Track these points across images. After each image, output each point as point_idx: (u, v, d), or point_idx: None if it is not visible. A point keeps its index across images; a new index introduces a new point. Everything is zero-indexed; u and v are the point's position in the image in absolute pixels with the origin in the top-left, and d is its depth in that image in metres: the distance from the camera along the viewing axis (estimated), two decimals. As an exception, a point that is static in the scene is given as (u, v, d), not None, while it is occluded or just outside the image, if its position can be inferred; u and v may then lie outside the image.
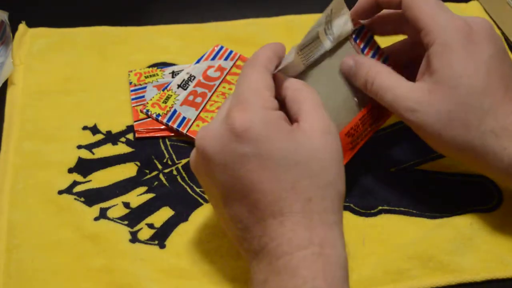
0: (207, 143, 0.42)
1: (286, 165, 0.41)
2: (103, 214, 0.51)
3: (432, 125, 0.47)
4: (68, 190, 0.53)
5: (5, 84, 0.60)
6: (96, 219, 0.51)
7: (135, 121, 0.58)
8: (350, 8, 0.50)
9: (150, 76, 0.61)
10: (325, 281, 0.39)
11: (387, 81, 0.48)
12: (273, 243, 0.41)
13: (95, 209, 0.52)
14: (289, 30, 0.67)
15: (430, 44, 0.47)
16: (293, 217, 0.41)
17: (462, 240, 0.51)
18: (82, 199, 0.52)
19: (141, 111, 0.58)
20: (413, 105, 0.47)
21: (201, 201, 0.53)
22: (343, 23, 0.49)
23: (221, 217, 0.45)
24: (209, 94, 0.59)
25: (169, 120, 0.57)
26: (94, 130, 0.57)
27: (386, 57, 0.52)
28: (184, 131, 0.56)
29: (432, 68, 0.47)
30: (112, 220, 0.51)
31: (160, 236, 0.50)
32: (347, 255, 0.50)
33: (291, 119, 0.44)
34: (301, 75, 0.47)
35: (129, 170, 0.55)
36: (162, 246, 0.50)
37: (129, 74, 0.62)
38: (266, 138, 0.41)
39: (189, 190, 0.53)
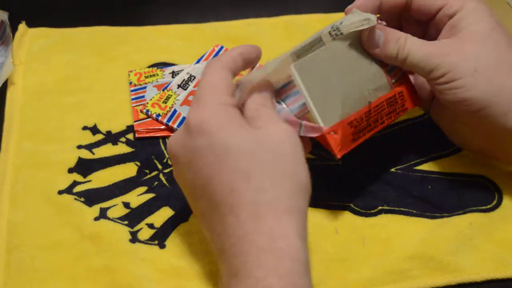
0: (172, 146, 0.44)
1: (239, 155, 0.41)
2: (103, 214, 0.51)
3: (467, 63, 0.48)
4: (68, 190, 0.53)
5: (5, 84, 0.60)
6: (96, 219, 0.51)
7: (135, 121, 0.58)
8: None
9: (150, 76, 0.61)
10: (278, 278, 0.39)
11: (416, 41, 0.49)
12: (230, 241, 0.41)
13: (95, 209, 0.52)
14: (289, 30, 0.67)
15: (457, 11, 0.49)
16: (246, 210, 0.41)
17: (462, 240, 0.51)
18: (82, 199, 0.52)
19: (141, 111, 0.58)
20: (446, 50, 0.48)
21: (201, 201, 0.53)
22: (354, 25, 0.48)
23: (197, 218, 0.46)
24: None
25: (169, 120, 0.57)
26: (94, 130, 0.57)
27: None
28: (184, 131, 0.56)
29: (460, 27, 0.49)
30: (112, 220, 0.51)
31: (160, 236, 0.50)
32: (347, 255, 0.50)
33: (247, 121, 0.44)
34: (310, 63, 0.47)
35: (129, 170, 0.55)
36: (162, 246, 0.50)
37: (129, 74, 0.62)
38: (219, 129, 0.42)
39: (189, 190, 0.53)
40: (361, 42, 0.49)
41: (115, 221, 0.51)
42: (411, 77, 0.53)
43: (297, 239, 0.40)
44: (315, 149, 0.56)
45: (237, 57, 0.46)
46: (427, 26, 0.52)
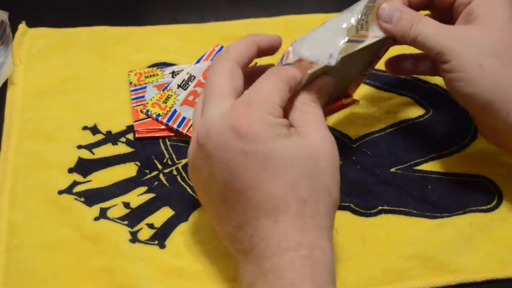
0: (208, 139, 0.42)
1: (286, 165, 0.41)
2: (103, 214, 0.51)
3: (473, 55, 0.47)
4: (68, 190, 0.53)
5: (5, 84, 0.60)
6: (96, 219, 0.51)
7: (135, 121, 0.58)
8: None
9: (150, 76, 0.61)
10: (313, 284, 0.39)
11: (431, 20, 0.49)
12: (263, 244, 0.41)
13: (95, 209, 0.52)
14: (289, 30, 0.67)
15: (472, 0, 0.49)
16: (287, 218, 0.41)
17: (462, 240, 0.51)
18: (82, 199, 0.52)
19: (141, 111, 0.58)
20: (456, 33, 0.48)
21: (201, 201, 0.53)
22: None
23: (215, 215, 0.45)
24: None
25: (169, 120, 0.57)
26: (94, 130, 0.57)
27: None
28: (184, 131, 0.56)
29: (475, 15, 0.48)
30: (112, 220, 0.51)
31: (160, 236, 0.50)
32: (347, 255, 0.50)
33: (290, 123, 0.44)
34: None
35: (129, 170, 0.55)
36: (162, 246, 0.50)
37: (129, 74, 0.62)
38: (268, 139, 0.41)
39: (189, 190, 0.53)
40: (376, 17, 0.49)
41: (115, 221, 0.51)
42: None
43: (331, 253, 0.41)
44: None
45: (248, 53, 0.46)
46: (449, 15, 0.52)
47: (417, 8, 0.52)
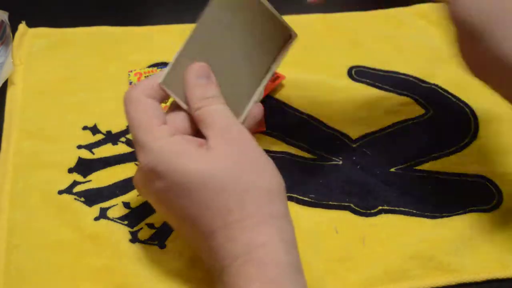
0: (138, 189, 0.46)
1: (194, 188, 0.41)
2: (103, 214, 0.51)
3: None
4: (68, 190, 0.53)
5: (5, 84, 0.60)
6: (96, 219, 0.51)
7: (135, 121, 0.57)
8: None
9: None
10: (262, 285, 0.39)
11: None
12: (217, 262, 0.42)
13: (95, 209, 0.52)
14: (289, 30, 0.67)
15: None
16: (220, 233, 0.41)
17: (462, 240, 0.51)
18: (82, 199, 0.52)
19: (141, 111, 0.58)
20: None
21: (201, 201, 0.53)
22: None
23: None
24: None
25: (169, 120, 0.57)
26: (94, 130, 0.57)
27: None
28: (184, 131, 0.56)
29: None
30: (112, 220, 0.51)
31: (160, 236, 0.50)
32: (347, 255, 0.50)
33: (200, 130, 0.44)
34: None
35: (129, 170, 0.55)
36: (162, 246, 0.50)
37: (129, 74, 0.62)
38: (171, 168, 0.42)
39: (189, 190, 0.53)
40: None
41: (115, 221, 0.51)
42: None
43: (277, 244, 0.41)
44: (316, 149, 0.57)
45: (146, 80, 0.45)
46: None
47: None
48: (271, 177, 0.43)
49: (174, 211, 0.43)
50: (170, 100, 0.46)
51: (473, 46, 0.45)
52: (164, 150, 0.42)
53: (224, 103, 0.45)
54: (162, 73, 0.45)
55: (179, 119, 0.45)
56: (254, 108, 0.48)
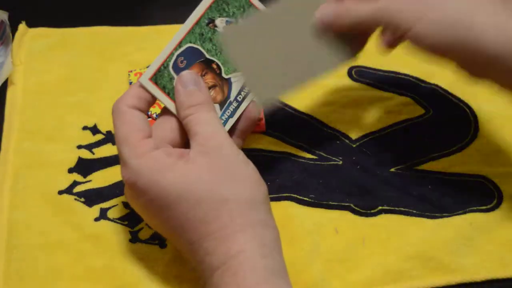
0: (127, 200, 0.47)
1: (172, 202, 0.42)
2: (103, 215, 0.51)
3: (409, 15, 0.45)
4: (68, 191, 0.53)
5: (5, 84, 0.60)
6: (96, 219, 0.51)
7: (135, 121, 0.57)
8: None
9: (150, 76, 0.61)
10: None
11: (362, 2, 0.46)
12: (202, 273, 0.43)
13: (95, 210, 0.52)
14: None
15: None
16: (200, 245, 0.42)
17: (462, 240, 0.51)
18: (82, 199, 0.52)
19: (141, 111, 0.58)
20: (386, 2, 0.45)
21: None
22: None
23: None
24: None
25: (169, 120, 0.57)
26: (94, 130, 0.57)
27: None
28: (184, 131, 0.56)
29: None
30: (112, 220, 0.51)
31: (161, 236, 0.50)
32: (347, 255, 0.50)
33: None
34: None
35: (129, 170, 0.55)
36: (162, 245, 0.50)
37: (129, 74, 0.62)
38: (149, 185, 0.43)
39: (189, 190, 0.53)
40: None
41: (115, 222, 0.51)
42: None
43: (254, 249, 0.41)
44: (316, 149, 0.57)
45: (133, 91, 0.46)
46: None
47: None
48: (251, 187, 0.43)
49: (161, 222, 0.44)
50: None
51: (462, 57, 0.46)
52: (142, 167, 0.43)
53: (212, 110, 0.45)
54: (148, 70, 0.46)
55: (168, 129, 0.45)
56: (250, 108, 0.48)
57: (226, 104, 0.47)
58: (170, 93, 0.46)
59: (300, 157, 0.56)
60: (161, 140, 0.45)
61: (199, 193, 0.42)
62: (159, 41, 0.65)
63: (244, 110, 0.48)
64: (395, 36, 0.47)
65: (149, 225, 0.47)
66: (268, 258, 0.41)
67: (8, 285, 0.47)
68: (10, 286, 0.47)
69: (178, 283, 0.48)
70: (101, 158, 0.55)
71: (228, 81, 0.48)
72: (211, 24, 0.48)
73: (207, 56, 0.48)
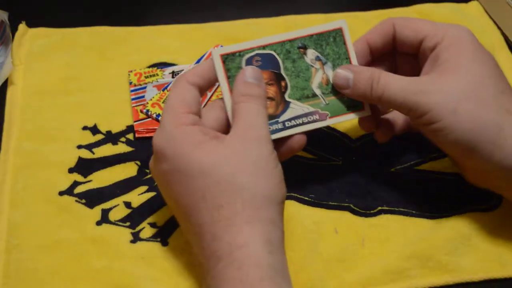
0: (150, 170, 0.47)
1: (194, 176, 0.42)
2: (104, 218, 0.51)
3: (446, 103, 0.46)
4: (69, 191, 0.53)
5: (5, 84, 0.60)
6: (98, 223, 0.51)
7: (135, 121, 0.58)
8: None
9: (150, 76, 0.61)
10: (240, 284, 0.40)
11: (392, 76, 0.47)
12: (205, 260, 0.43)
13: (97, 211, 0.51)
14: (289, 30, 0.67)
15: (438, 43, 0.48)
16: (207, 229, 0.42)
17: (461, 240, 0.51)
18: (83, 200, 0.52)
19: (141, 111, 0.58)
20: (424, 87, 0.46)
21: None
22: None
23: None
24: (209, 95, 0.60)
25: (169, 120, 0.57)
26: (94, 130, 0.57)
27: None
28: (184, 131, 0.56)
29: (441, 60, 0.47)
30: (114, 223, 0.51)
31: (163, 234, 0.50)
32: (347, 255, 0.50)
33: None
34: None
35: (129, 169, 0.55)
36: (164, 243, 0.50)
37: (129, 74, 0.62)
38: (176, 154, 0.43)
39: (189, 190, 0.53)
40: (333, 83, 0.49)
41: (117, 225, 0.51)
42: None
43: (260, 246, 0.41)
44: (316, 149, 0.57)
45: (197, 69, 0.47)
46: (417, 61, 0.51)
47: (380, 55, 0.52)
48: (272, 187, 0.43)
49: (176, 196, 0.44)
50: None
51: (468, 160, 0.48)
52: (175, 136, 0.43)
53: (264, 106, 0.46)
54: (225, 47, 0.47)
55: (213, 118, 0.46)
56: (297, 139, 0.48)
57: (272, 121, 0.47)
58: (230, 77, 0.46)
59: (300, 157, 0.56)
60: (201, 123, 0.45)
61: (220, 174, 0.42)
62: (159, 41, 0.66)
63: (289, 139, 0.48)
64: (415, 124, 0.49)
65: (164, 198, 0.47)
66: (273, 255, 0.41)
67: (7, 285, 0.47)
68: (10, 286, 0.47)
69: (178, 283, 0.48)
70: (101, 157, 0.55)
71: (286, 104, 0.48)
72: (302, 49, 0.48)
73: (282, 72, 0.48)
